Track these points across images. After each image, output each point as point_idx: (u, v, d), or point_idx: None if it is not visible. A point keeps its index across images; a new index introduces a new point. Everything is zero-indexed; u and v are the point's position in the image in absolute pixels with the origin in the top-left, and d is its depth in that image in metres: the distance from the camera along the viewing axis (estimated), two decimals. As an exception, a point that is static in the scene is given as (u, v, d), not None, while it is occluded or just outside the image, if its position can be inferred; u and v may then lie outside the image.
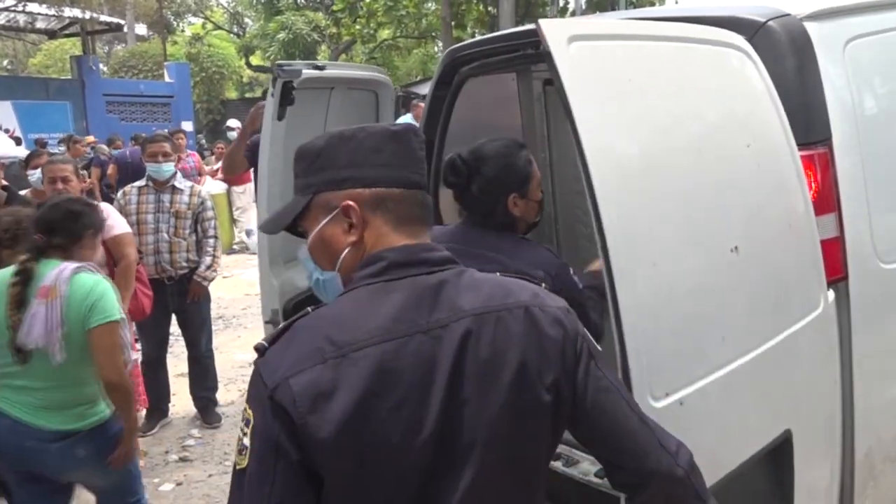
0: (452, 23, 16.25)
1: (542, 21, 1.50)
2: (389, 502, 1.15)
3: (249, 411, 1.16)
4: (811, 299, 2.09)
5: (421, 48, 23.65)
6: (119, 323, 2.73)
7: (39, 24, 19.97)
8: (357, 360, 1.13)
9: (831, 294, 2.19)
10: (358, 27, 16.97)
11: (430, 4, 17.06)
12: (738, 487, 1.87)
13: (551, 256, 2.26)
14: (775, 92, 2.04)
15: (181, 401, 5.30)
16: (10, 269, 2.76)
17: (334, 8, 18.59)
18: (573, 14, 14.75)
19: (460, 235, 2.30)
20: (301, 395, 1.12)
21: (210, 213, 5.00)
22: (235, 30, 29.13)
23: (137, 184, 4.99)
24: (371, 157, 1.29)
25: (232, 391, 5.70)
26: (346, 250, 1.27)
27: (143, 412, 4.80)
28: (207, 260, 4.94)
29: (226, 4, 29.12)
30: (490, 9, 16.13)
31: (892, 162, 2.42)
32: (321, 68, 2.83)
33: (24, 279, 2.69)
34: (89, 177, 9.87)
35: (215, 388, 5.25)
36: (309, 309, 1.23)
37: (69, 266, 2.73)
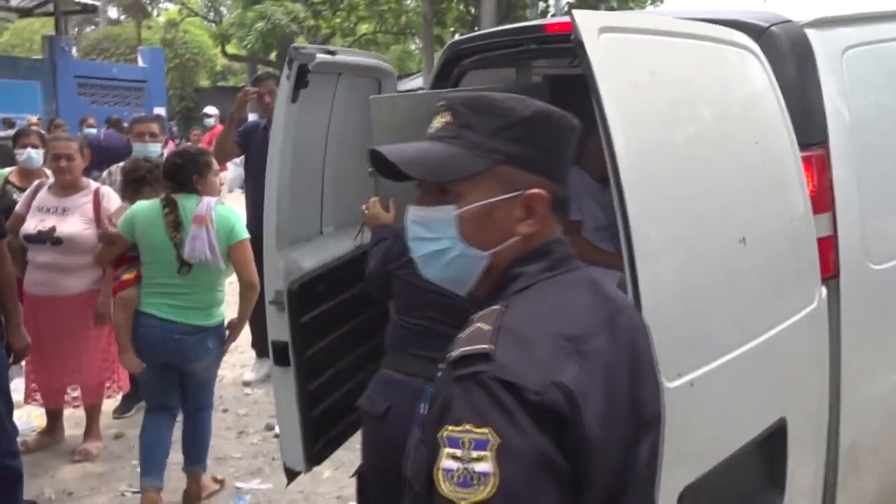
0: (433, 20, 16.31)
1: (575, 12, 1.56)
2: (609, 485, 1.09)
3: (484, 430, 0.98)
4: (807, 294, 2.19)
5: (399, 44, 23.65)
6: (248, 240, 3.61)
7: (13, 2, 19.57)
8: (590, 353, 1.07)
9: (824, 290, 2.29)
10: (338, 20, 16.97)
11: (409, 1, 17.09)
12: (735, 471, 1.96)
13: None
14: (780, 94, 2.13)
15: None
16: (155, 201, 3.63)
17: (315, 0, 18.53)
18: (553, 17, 14.89)
19: None
20: (573, 395, 1.01)
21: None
22: (212, 17, 28.82)
23: (122, 164, 4.97)
24: (564, 148, 1.21)
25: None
26: (515, 239, 1.17)
27: (120, 393, 4.77)
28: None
29: (203, -9, 28.81)
30: (471, 8, 16.20)
31: (883, 167, 2.54)
32: (333, 53, 2.86)
33: (173, 208, 3.54)
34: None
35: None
36: (498, 307, 1.11)
37: (210, 200, 3.58)
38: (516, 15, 16.09)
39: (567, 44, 2.98)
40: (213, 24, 28.75)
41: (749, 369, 1.93)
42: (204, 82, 29.67)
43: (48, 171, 4.73)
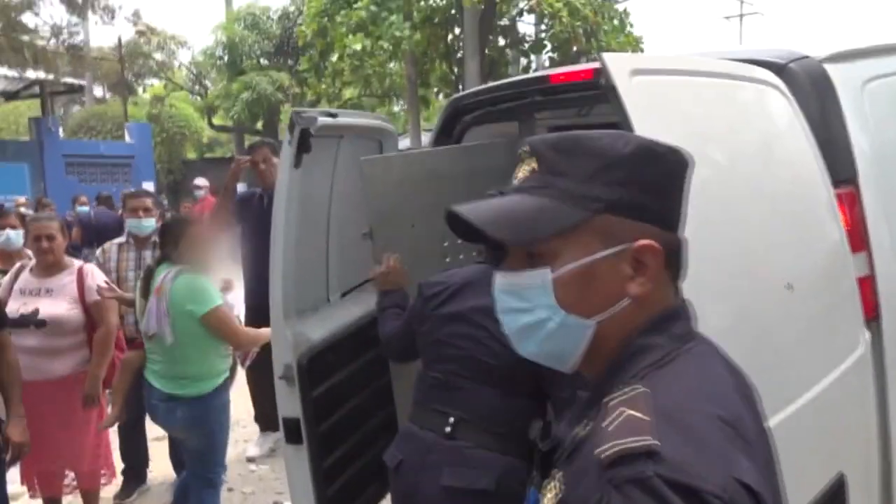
0: (418, 81, 16.46)
1: (604, 55, 1.48)
2: None
3: None
4: (853, 338, 2.07)
5: (384, 107, 23.87)
6: (221, 306, 3.49)
7: (-1, 86, 19.75)
8: (750, 440, 0.90)
9: (867, 333, 2.17)
10: (323, 86, 17.06)
11: (392, 65, 17.31)
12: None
13: None
14: (809, 130, 2.05)
15: (159, 466, 5.06)
16: None
17: (300, 68, 18.71)
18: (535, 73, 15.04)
19: (479, 275, 2.33)
20: (758, 496, 0.84)
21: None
22: (197, 90, 29.11)
23: (117, 241, 4.85)
24: (674, 189, 1.03)
25: (213, 454, 5.47)
26: (625, 301, 0.98)
27: (112, 481, 4.56)
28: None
29: (188, 66, 29.12)
30: (455, 68, 16.38)
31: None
32: (334, 115, 2.78)
33: (147, 277, 3.64)
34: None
35: (197, 453, 5.04)
36: (640, 387, 0.92)
37: (171, 270, 3.49)
38: (499, 73, 16.26)
39: (572, 93, 2.94)
40: (199, 97, 29.02)
41: (805, 423, 1.80)
42: (191, 154, 29.78)
43: (30, 252, 4.60)
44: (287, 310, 2.72)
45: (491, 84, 3.19)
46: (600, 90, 1.58)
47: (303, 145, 2.64)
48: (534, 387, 2.24)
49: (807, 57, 2.33)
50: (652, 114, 1.51)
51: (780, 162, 1.90)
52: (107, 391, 4.39)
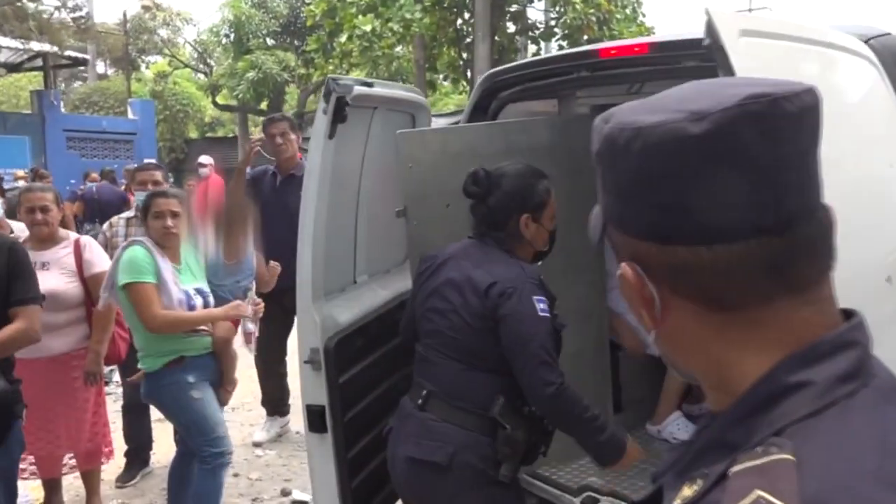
0: (426, 65, 16.27)
1: (712, 12, 1.31)
2: None
3: None
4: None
5: (390, 91, 23.72)
6: (141, 283, 3.34)
7: (0, 58, 19.44)
8: None
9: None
10: (331, 67, 16.82)
11: (399, 49, 17.11)
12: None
13: (518, 273, 2.25)
14: (899, 109, 1.88)
15: (162, 448, 4.90)
16: None
17: (307, 48, 18.48)
18: (547, 60, 14.86)
19: (461, 249, 2.39)
20: None
21: (204, 247, 4.72)
22: (201, 68, 28.83)
23: (125, 215, 4.71)
24: (658, 186, 0.73)
25: (218, 437, 5.32)
26: (655, 336, 0.78)
27: (110, 461, 4.41)
28: (200, 297, 4.65)
29: (193, 43, 28.83)
30: (463, 54, 16.19)
31: None
32: (370, 85, 2.61)
33: None
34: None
35: (201, 436, 4.89)
36: (782, 453, 0.63)
37: (126, 241, 3.63)
38: (508, 59, 16.08)
39: (623, 69, 2.78)
40: (203, 76, 28.74)
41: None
42: (193, 133, 29.55)
43: (12, 224, 4.42)
44: (316, 292, 2.55)
45: (530, 59, 3.03)
46: (683, 56, 1.40)
47: (338, 115, 2.47)
48: (497, 363, 2.25)
49: (888, 34, 2.17)
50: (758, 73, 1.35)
51: (882, 144, 1.74)
52: (107, 369, 4.23)
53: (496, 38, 15.13)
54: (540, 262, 2.48)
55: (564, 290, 3.04)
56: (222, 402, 3.68)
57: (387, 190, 2.85)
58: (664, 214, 0.71)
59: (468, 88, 15.95)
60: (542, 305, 2.23)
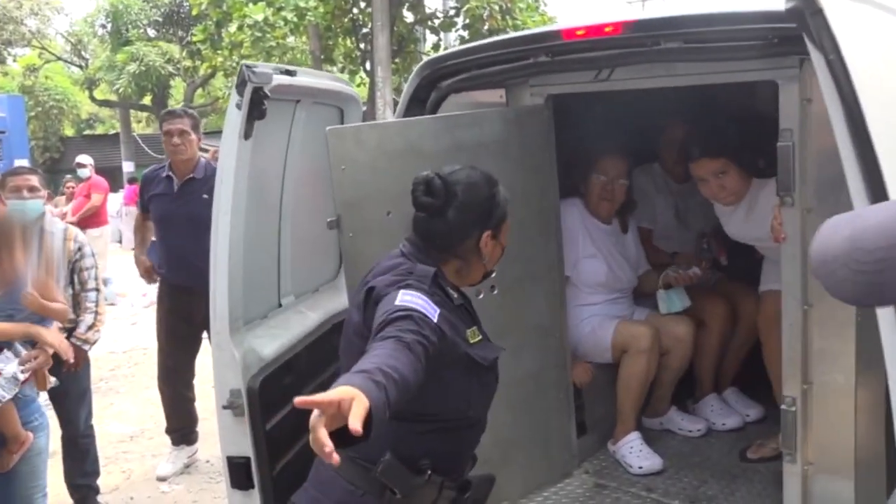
0: (322, 56, 15.72)
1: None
2: None
3: None
4: None
5: (283, 84, 22.93)
6: None
7: None
8: None
9: None
10: (220, 59, 15.94)
11: (292, 39, 16.48)
12: None
13: (396, 272, 1.85)
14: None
15: (53, 490, 4.28)
16: None
17: (194, 39, 17.47)
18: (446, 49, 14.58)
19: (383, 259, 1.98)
20: None
21: (89, 262, 4.12)
22: (76, 61, 27.05)
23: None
24: None
25: (114, 473, 4.72)
26: None
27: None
28: (88, 318, 4.06)
29: (65, 34, 26.97)
30: (361, 44, 15.72)
31: None
32: (292, 73, 2.18)
33: None
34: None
35: (97, 474, 4.29)
36: None
37: None
38: (407, 49, 15.72)
39: (591, 53, 2.45)
40: (78, 69, 26.98)
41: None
42: (69, 131, 27.82)
43: None
44: (234, 322, 2.11)
45: (477, 43, 2.67)
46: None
47: (255, 109, 2.03)
48: None
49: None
50: (864, 43, 1.04)
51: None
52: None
53: (395, 27, 14.71)
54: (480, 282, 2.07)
55: (523, 304, 2.71)
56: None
57: (315, 197, 2.43)
58: None
59: (366, 80, 15.54)
60: (408, 297, 1.75)
